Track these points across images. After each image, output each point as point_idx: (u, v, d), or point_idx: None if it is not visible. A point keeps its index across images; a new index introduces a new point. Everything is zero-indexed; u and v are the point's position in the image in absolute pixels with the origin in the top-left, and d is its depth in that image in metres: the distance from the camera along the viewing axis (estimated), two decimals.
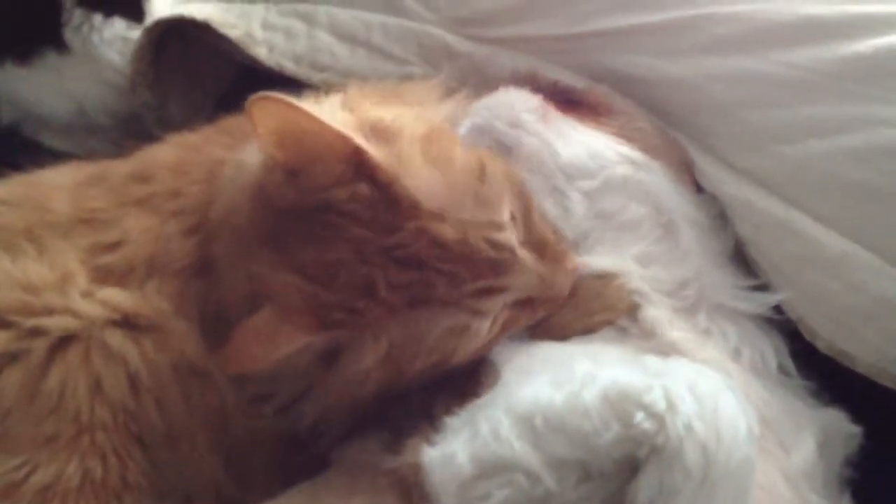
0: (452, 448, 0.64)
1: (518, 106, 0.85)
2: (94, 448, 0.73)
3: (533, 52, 0.94)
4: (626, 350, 0.73)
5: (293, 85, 1.00)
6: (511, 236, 0.71)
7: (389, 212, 0.68)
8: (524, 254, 0.72)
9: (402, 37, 0.99)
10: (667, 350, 0.72)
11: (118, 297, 0.76)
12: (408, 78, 0.97)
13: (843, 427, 0.74)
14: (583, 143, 0.83)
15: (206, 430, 0.77)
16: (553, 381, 0.64)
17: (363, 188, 0.68)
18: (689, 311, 0.77)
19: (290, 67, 1.01)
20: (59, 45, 1.14)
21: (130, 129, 1.18)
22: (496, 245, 0.70)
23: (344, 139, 0.68)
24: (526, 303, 0.74)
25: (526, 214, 0.75)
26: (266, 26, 1.05)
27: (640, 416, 0.57)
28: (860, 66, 0.77)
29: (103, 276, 0.78)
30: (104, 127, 1.18)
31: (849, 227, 0.76)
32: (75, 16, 1.12)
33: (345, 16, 1.02)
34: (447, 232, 0.68)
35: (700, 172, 0.85)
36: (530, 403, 0.63)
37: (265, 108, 0.66)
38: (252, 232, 0.72)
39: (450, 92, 0.90)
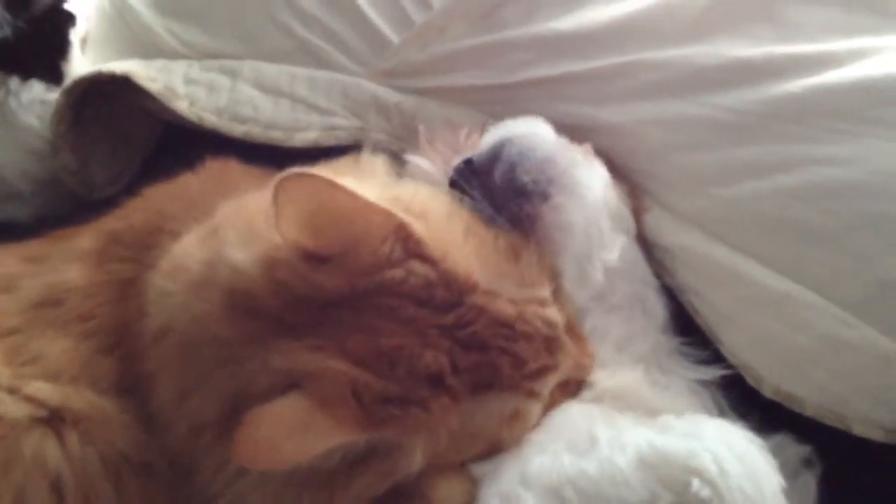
0: None
1: (564, 144, 0.80)
2: None
3: (463, 102, 0.92)
4: (605, 410, 0.70)
5: (216, 140, 0.98)
6: (557, 314, 0.69)
7: (447, 289, 0.63)
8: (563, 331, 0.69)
9: (328, 89, 0.97)
10: (637, 407, 0.70)
11: (45, 391, 0.72)
12: (331, 130, 0.96)
13: (794, 450, 0.72)
14: (610, 197, 0.80)
15: None
16: (571, 448, 0.62)
17: (417, 266, 0.63)
18: (646, 371, 0.75)
19: (211, 120, 0.99)
20: None
21: (51, 194, 1.14)
22: (548, 322, 0.67)
23: (388, 216, 0.63)
24: (564, 385, 0.71)
25: (556, 294, 0.72)
26: (188, 81, 1.02)
27: (696, 484, 0.57)
28: (792, 107, 0.76)
29: (27, 375, 0.74)
30: (24, 193, 1.13)
31: (790, 267, 0.75)
32: None
33: (270, 69, 1.00)
34: (507, 309, 0.65)
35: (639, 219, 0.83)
36: (554, 473, 0.61)
37: (298, 188, 0.61)
38: (249, 327, 0.64)
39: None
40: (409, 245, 0.64)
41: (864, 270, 0.71)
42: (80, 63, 1.12)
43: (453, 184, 0.77)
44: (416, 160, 0.82)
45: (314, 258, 0.63)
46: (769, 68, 0.78)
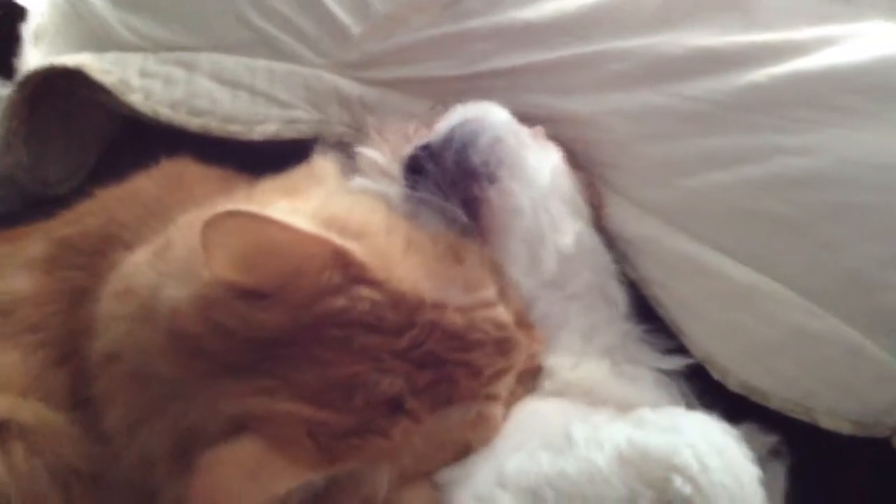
0: None
1: (515, 126, 0.80)
2: None
3: (426, 94, 0.91)
4: (579, 407, 0.70)
5: (175, 134, 0.96)
6: (505, 312, 0.68)
7: (396, 311, 0.62)
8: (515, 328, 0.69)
9: (288, 81, 0.96)
10: (607, 401, 0.70)
11: None
12: (292, 122, 0.94)
13: (760, 441, 0.71)
14: (564, 183, 0.80)
15: None
16: (547, 447, 0.62)
17: (362, 291, 0.62)
18: (613, 361, 0.75)
19: (166, 113, 0.97)
20: None
21: (3, 191, 1.11)
22: (498, 324, 0.67)
23: (324, 243, 0.61)
24: (520, 375, 0.70)
25: (502, 288, 0.71)
26: (144, 74, 1.00)
27: (678, 481, 0.58)
28: (757, 96, 0.76)
29: None
30: None
31: (756, 259, 0.75)
32: None
33: (229, 62, 0.98)
34: (456, 320, 0.64)
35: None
36: (531, 474, 0.61)
37: (226, 228, 0.59)
38: (192, 367, 0.63)
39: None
40: (350, 271, 0.62)
41: (830, 261, 0.71)
42: (33, 58, 1.09)
43: (407, 171, 0.76)
44: (366, 152, 0.81)
45: (252, 295, 0.62)
46: (735, 58, 0.78)
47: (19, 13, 1.10)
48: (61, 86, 1.05)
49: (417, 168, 0.76)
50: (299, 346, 0.61)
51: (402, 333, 0.62)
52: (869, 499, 0.76)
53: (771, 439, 0.72)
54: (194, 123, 0.96)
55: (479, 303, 0.67)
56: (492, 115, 0.79)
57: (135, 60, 1.01)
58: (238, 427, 0.59)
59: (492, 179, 0.74)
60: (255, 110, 0.96)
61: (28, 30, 1.10)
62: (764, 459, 0.71)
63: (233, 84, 0.97)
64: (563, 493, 0.59)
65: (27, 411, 0.71)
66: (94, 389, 0.70)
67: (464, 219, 0.74)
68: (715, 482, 0.57)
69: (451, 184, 0.74)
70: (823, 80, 0.74)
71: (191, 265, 0.64)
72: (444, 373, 0.63)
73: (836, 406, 0.71)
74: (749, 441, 0.69)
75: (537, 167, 0.76)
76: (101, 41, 1.05)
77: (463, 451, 0.66)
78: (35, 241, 0.81)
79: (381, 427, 0.61)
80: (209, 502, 0.56)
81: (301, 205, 0.68)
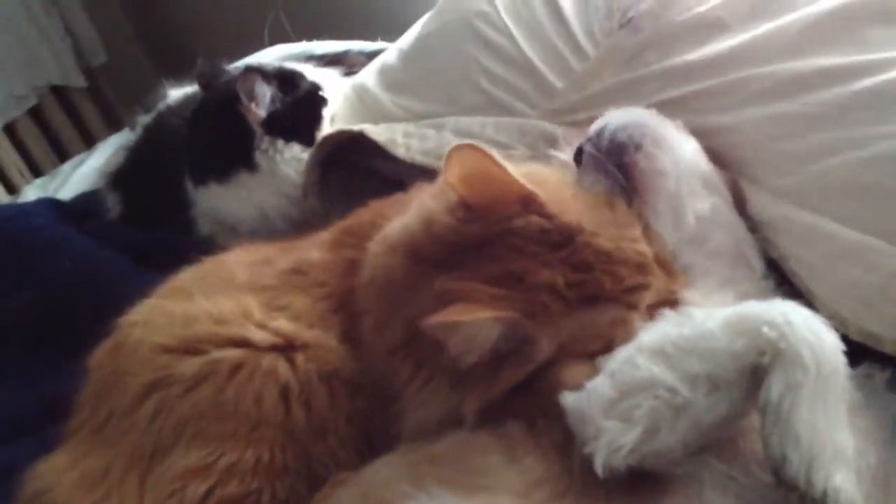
0: (591, 386, 0.79)
1: (656, 116, 1.02)
2: (262, 441, 0.93)
3: None
4: None
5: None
6: (646, 247, 0.91)
7: (560, 234, 0.87)
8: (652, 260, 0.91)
9: (509, 129, 1.25)
10: None
11: (285, 326, 0.99)
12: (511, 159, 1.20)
13: (878, 374, 0.86)
14: (702, 164, 1.01)
15: (349, 426, 0.96)
16: (674, 324, 0.80)
17: (535, 219, 0.88)
18: None
19: (420, 159, 1.29)
20: (250, 166, 1.47)
21: (302, 232, 1.45)
22: (639, 253, 0.89)
23: (520, 185, 0.88)
24: (656, 306, 0.87)
25: (647, 236, 0.93)
26: (406, 135, 1.34)
27: (765, 329, 0.72)
28: (864, 98, 0.97)
29: (275, 317, 1.01)
30: (282, 230, 1.45)
31: (862, 221, 0.92)
32: (264, 142, 1.45)
33: (466, 121, 1.30)
34: (606, 243, 0.88)
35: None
36: (659, 338, 0.78)
37: (464, 154, 0.88)
38: (417, 271, 0.90)
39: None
40: (532, 206, 0.88)
41: None
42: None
43: (576, 157, 1.02)
44: (556, 154, 1.10)
45: (461, 209, 0.89)
46: (847, 72, 0.99)
47: (322, 100, 1.49)
48: (344, 157, 1.41)
49: (582, 152, 1.01)
50: (488, 248, 0.88)
51: (563, 247, 0.86)
52: None
53: (886, 374, 0.87)
54: (440, 164, 1.26)
55: (626, 236, 0.89)
56: (637, 110, 1.03)
57: (400, 126, 1.36)
58: (444, 303, 0.84)
59: (637, 147, 0.97)
60: None
61: (327, 113, 1.49)
62: (881, 390, 0.86)
63: (468, 135, 1.27)
64: (680, 347, 0.76)
65: (310, 335, 0.98)
66: (357, 308, 0.98)
67: (618, 176, 0.96)
68: (797, 334, 0.71)
69: (606, 154, 0.97)
70: None
71: (421, 204, 0.95)
72: (592, 276, 0.86)
73: None
74: (869, 377, 0.85)
75: (674, 140, 0.99)
76: (377, 117, 1.41)
77: (609, 346, 0.84)
78: (325, 232, 1.13)
79: (543, 303, 0.84)
80: (441, 318, 0.82)
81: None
